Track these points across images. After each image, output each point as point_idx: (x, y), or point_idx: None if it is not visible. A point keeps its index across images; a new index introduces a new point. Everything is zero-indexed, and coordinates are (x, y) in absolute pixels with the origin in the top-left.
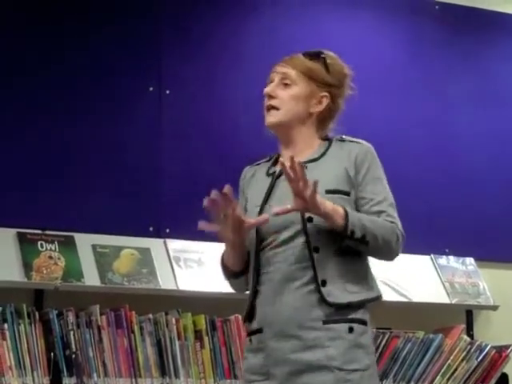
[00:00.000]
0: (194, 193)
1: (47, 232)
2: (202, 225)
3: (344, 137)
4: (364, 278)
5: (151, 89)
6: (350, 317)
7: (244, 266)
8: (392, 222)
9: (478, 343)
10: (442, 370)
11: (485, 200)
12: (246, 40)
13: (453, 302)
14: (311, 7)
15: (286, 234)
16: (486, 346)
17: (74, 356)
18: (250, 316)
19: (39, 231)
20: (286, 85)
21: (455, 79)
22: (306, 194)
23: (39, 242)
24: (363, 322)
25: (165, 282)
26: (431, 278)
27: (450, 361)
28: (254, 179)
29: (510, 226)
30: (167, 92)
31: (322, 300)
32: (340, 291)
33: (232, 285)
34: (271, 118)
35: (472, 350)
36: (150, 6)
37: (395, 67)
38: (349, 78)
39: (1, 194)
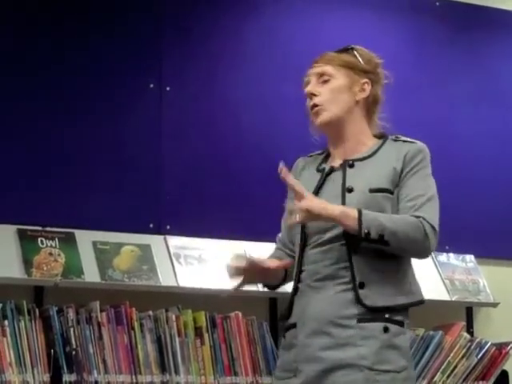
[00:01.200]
0: (195, 190)
1: (47, 228)
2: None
3: (399, 136)
4: (402, 280)
5: (152, 86)
6: (386, 316)
7: (282, 280)
8: (418, 217)
9: (478, 340)
10: (442, 367)
11: (485, 197)
12: (246, 38)
13: (453, 299)
14: (312, 6)
15: (328, 235)
16: (486, 343)
17: (74, 352)
18: (289, 312)
19: (39, 228)
20: (324, 82)
21: (457, 77)
22: (301, 205)
23: (39, 239)
24: (399, 323)
25: (165, 279)
26: (431, 275)
27: (450, 358)
28: (305, 172)
29: (510, 223)
30: (168, 89)
31: (358, 301)
32: (377, 295)
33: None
34: (321, 116)
35: (472, 347)
36: (150, 3)
37: (396, 65)
38: (381, 66)
39: (1, 191)
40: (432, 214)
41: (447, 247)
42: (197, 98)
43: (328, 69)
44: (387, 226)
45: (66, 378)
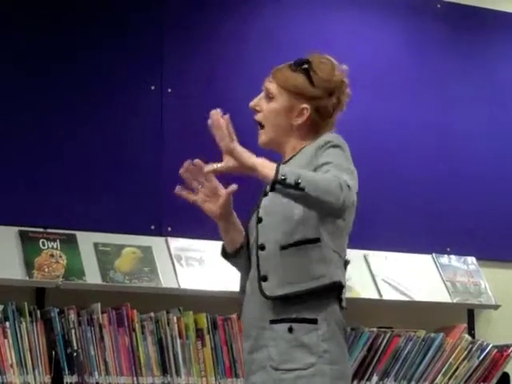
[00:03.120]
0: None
1: (49, 230)
2: (178, 189)
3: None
4: (312, 266)
5: (153, 87)
6: (293, 316)
7: (239, 247)
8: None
9: (479, 342)
10: (444, 369)
11: (487, 199)
12: (247, 40)
13: (454, 301)
14: (313, 7)
15: (255, 235)
16: (488, 345)
17: (75, 354)
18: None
19: (41, 229)
20: (269, 98)
21: (458, 78)
22: (230, 146)
23: (41, 240)
24: (309, 321)
25: (166, 281)
26: (433, 277)
27: (451, 360)
28: None
29: (511, 225)
30: (169, 91)
31: (263, 296)
32: (277, 283)
33: (234, 265)
34: (260, 139)
35: (473, 349)
36: (152, 5)
37: (397, 66)
38: (341, 85)
39: (3, 193)
40: (346, 177)
41: (449, 249)
42: (198, 100)
43: (273, 88)
44: (303, 174)
45: (67, 379)
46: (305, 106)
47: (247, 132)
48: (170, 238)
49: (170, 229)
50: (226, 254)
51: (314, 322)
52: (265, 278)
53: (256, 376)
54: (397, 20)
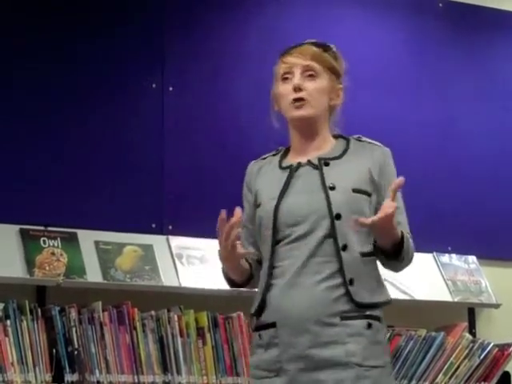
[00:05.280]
0: (197, 190)
1: (50, 228)
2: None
3: (361, 137)
4: (381, 280)
5: (154, 86)
6: (367, 313)
7: (247, 278)
8: (408, 234)
9: (480, 341)
10: (444, 368)
11: (487, 198)
12: (249, 36)
13: (455, 300)
14: (315, 6)
15: (304, 227)
16: (489, 344)
17: (76, 352)
18: (260, 310)
19: (42, 227)
20: (310, 77)
21: (459, 77)
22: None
23: (42, 239)
24: (379, 319)
25: (167, 279)
26: (433, 276)
27: (452, 359)
28: (262, 172)
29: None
30: (170, 89)
31: (349, 298)
32: (366, 291)
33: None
34: (302, 111)
35: (474, 348)
36: (153, 3)
37: (398, 66)
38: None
39: (4, 191)
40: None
41: (449, 248)
42: (199, 98)
43: (316, 66)
44: (409, 251)
45: (68, 377)
46: (341, 86)
47: (248, 131)
48: (171, 237)
49: (171, 227)
50: (235, 283)
51: (381, 320)
52: (351, 282)
53: (326, 373)
54: (398, 19)
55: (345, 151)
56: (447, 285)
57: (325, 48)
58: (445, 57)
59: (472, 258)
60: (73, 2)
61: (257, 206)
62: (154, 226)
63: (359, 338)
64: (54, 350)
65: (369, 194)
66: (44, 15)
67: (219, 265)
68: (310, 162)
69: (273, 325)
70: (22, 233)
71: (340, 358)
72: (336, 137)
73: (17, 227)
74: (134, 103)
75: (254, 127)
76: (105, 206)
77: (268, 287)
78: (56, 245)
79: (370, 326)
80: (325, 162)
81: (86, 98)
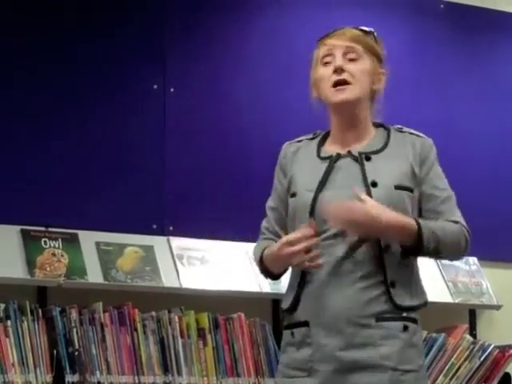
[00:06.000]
0: (198, 191)
1: (51, 229)
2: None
3: (402, 127)
4: (419, 280)
5: (155, 87)
6: (404, 315)
7: (284, 270)
8: (456, 222)
9: (480, 343)
10: (445, 370)
11: (488, 199)
12: (250, 39)
13: (456, 301)
14: (316, 7)
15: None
16: (489, 345)
17: (76, 353)
18: (295, 307)
19: (43, 228)
20: (351, 60)
21: (459, 78)
22: (360, 219)
23: (43, 239)
24: (415, 321)
25: (168, 280)
26: (434, 278)
27: (452, 360)
28: (299, 157)
29: None
30: (172, 90)
31: (388, 298)
32: (406, 294)
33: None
34: (347, 94)
35: (475, 349)
36: (154, 3)
37: (399, 66)
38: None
39: (4, 191)
40: (461, 216)
41: None
42: (201, 100)
43: (357, 48)
44: (441, 239)
45: (69, 378)
46: (383, 70)
47: (249, 132)
48: (171, 238)
49: (171, 228)
50: (272, 275)
51: (417, 323)
52: (393, 284)
53: (358, 376)
54: (399, 20)
55: (386, 144)
56: (448, 286)
57: (365, 31)
58: (445, 57)
59: (473, 260)
60: (73, 1)
61: (291, 194)
62: (154, 226)
63: (394, 340)
64: (55, 351)
65: (411, 190)
66: (44, 15)
67: (219, 265)
68: (350, 154)
69: (306, 323)
70: (23, 233)
71: (374, 360)
72: (376, 126)
73: (18, 228)
74: (135, 104)
75: (255, 128)
76: (106, 206)
77: (302, 284)
78: (57, 245)
79: (406, 328)
80: (366, 156)
81: (87, 98)
